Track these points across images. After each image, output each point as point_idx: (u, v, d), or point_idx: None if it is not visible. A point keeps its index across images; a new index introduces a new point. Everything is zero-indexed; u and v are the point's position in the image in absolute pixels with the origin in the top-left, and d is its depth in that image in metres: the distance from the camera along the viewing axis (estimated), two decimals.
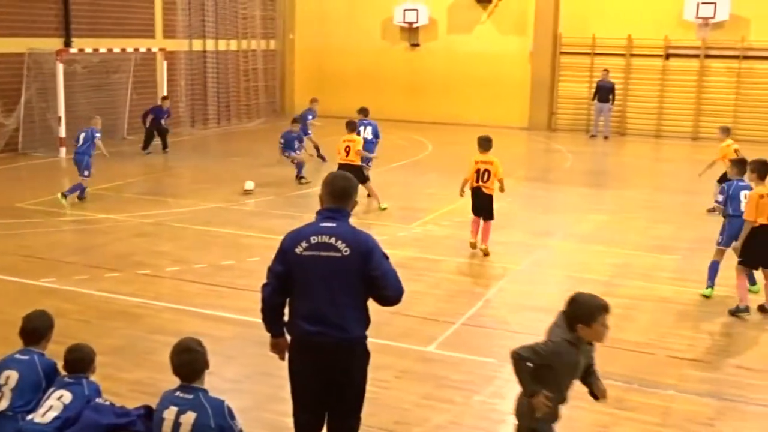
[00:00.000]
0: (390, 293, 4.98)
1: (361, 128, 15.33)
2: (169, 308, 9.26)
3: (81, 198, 14.69)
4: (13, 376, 5.43)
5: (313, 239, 4.95)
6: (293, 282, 5.00)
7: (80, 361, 5.47)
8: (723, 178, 13.40)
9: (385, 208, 14.26)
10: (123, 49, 21.77)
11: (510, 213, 13.82)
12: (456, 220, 13.45)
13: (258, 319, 5.29)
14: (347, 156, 14.00)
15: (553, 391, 4.77)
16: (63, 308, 8.75)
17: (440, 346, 8.28)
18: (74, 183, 14.65)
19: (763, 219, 9.07)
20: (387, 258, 5.03)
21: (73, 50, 20.58)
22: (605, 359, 5.95)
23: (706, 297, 9.80)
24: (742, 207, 9.39)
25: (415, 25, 27.46)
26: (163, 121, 20.70)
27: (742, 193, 9.50)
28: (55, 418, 5.17)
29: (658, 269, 11.14)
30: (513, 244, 12.27)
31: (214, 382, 5.30)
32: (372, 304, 5.07)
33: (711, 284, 9.83)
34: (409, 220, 13.66)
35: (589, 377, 5.03)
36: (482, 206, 11.63)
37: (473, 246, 11.67)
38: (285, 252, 5.02)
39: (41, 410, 5.23)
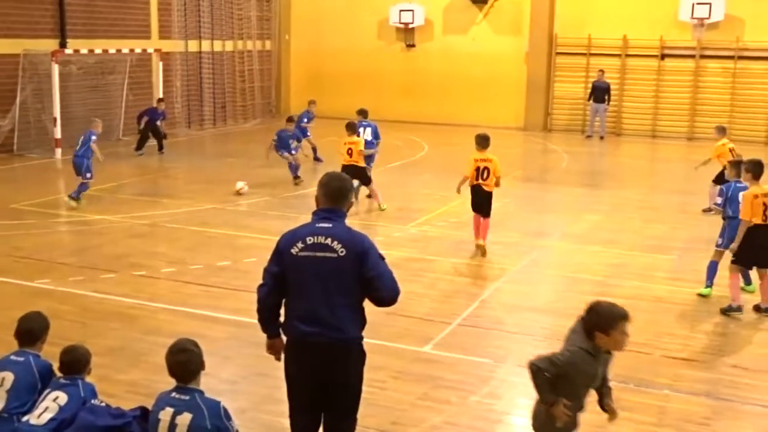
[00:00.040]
0: (386, 294, 4.97)
1: (361, 129, 15.12)
2: (164, 309, 9.25)
3: (76, 198, 14.61)
4: (8, 377, 5.41)
5: (309, 240, 4.95)
6: (289, 282, 5.00)
7: (76, 362, 5.45)
8: (718, 179, 13.45)
9: (385, 209, 14.28)
10: (118, 50, 21.70)
11: (506, 213, 13.84)
12: (452, 221, 13.48)
13: (254, 320, 5.29)
14: (351, 158, 13.98)
15: (571, 400, 4.71)
16: (58, 309, 8.75)
17: (436, 346, 8.28)
18: (78, 185, 14.38)
19: (758, 219, 9.12)
20: (383, 258, 5.03)
21: (69, 51, 20.51)
22: None
23: (704, 296, 9.83)
24: None
25: (410, 26, 27.44)
26: (158, 123, 20.65)
27: (741, 195, 9.53)
28: (51, 420, 5.15)
29: (653, 269, 11.16)
30: (509, 244, 12.28)
31: (210, 383, 5.30)
32: (368, 305, 5.07)
33: (710, 284, 9.86)
34: (405, 221, 13.66)
35: (602, 388, 4.99)
36: (482, 203, 11.68)
37: (479, 247, 11.62)
38: (281, 252, 5.03)
39: (37, 412, 5.22)
